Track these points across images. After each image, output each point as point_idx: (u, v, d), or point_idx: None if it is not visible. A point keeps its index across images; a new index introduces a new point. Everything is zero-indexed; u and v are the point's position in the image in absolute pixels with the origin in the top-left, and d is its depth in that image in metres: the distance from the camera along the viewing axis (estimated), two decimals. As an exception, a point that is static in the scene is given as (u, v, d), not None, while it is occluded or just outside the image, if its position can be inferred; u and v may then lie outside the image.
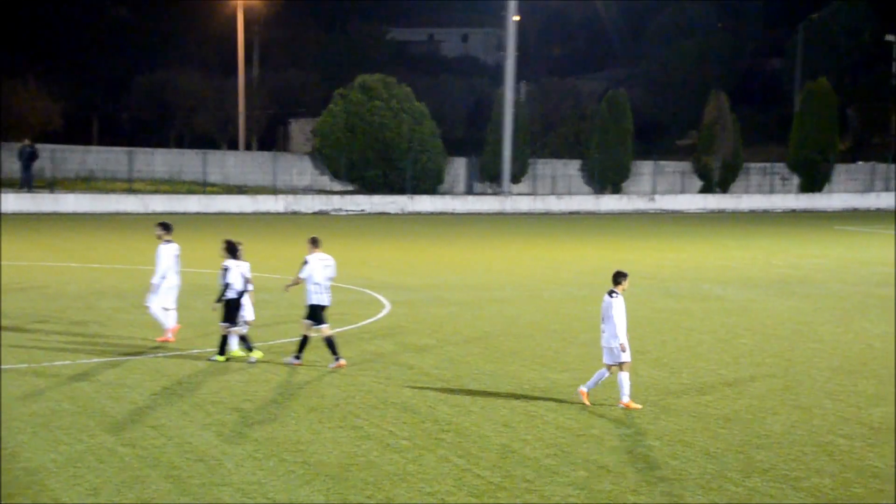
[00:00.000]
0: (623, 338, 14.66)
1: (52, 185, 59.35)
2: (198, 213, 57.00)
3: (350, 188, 66.47)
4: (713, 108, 72.47)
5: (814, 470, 12.08)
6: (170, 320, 18.55)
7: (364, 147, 65.53)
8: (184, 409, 14.16)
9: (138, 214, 55.41)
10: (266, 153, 70.99)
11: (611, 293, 14.80)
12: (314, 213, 60.14)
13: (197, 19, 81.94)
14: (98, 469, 11.50)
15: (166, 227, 18.42)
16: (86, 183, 62.00)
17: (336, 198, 62.86)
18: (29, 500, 10.51)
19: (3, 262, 29.44)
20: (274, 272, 30.34)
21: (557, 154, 73.31)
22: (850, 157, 79.85)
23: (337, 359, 17.24)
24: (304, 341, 17.36)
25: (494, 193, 67.90)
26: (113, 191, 59.82)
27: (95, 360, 17.21)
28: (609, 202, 67.50)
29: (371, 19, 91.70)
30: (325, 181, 67.68)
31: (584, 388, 15.06)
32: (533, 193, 69.57)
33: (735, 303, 25.60)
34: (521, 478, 11.58)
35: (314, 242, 17.53)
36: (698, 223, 56.77)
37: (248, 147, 74.38)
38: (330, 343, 17.26)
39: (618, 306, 14.71)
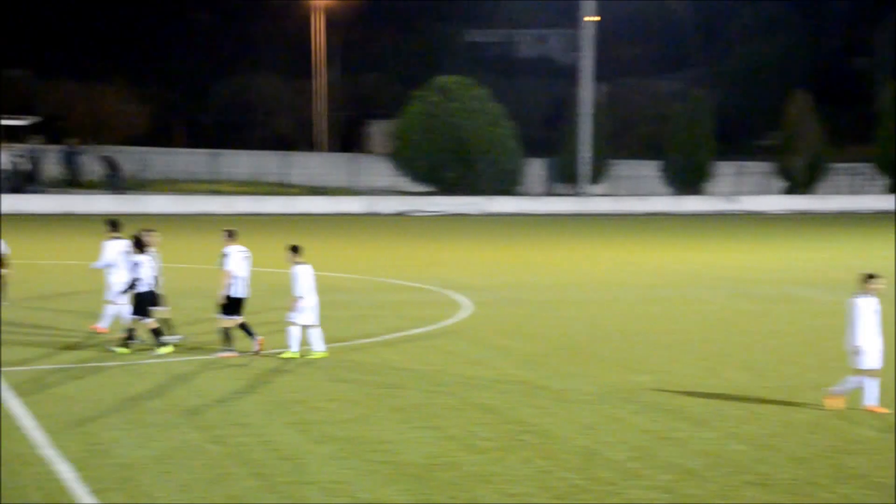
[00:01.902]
0: (863, 341, 14.13)
1: (139, 186, 60.48)
2: (279, 214, 57.62)
3: (428, 189, 66.67)
4: (796, 107, 71.36)
5: (905, 476, 11.85)
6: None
7: (442, 148, 65.70)
8: (268, 409, 14.34)
9: (222, 215, 56.18)
10: (346, 155, 71.55)
11: (860, 294, 14.30)
12: (393, 214, 60.44)
13: (277, 23, 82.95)
14: (188, 466, 11.70)
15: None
16: (171, 185, 63.10)
17: (414, 199, 63.15)
18: (123, 495, 10.73)
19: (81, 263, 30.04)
20: (352, 272, 30.58)
21: (636, 155, 72.77)
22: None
23: (231, 350, 17.51)
24: (228, 332, 17.60)
25: (572, 194, 67.63)
26: (197, 192, 60.79)
27: (183, 358, 17.51)
28: (689, 203, 66.82)
29: (448, 21, 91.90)
30: (404, 182, 67.96)
31: (836, 391, 14.63)
32: (611, 194, 69.15)
33: (822, 305, 25.18)
34: (604, 480, 11.53)
35: (231, 235, 17.90)
36: (782, 224, 55.94)
37: (328, 149, 75.02)
38: (245, 329, 17.64)
39: (862, 307, 14.20)
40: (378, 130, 77.71)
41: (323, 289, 26.61)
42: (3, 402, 14.30)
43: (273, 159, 67.12)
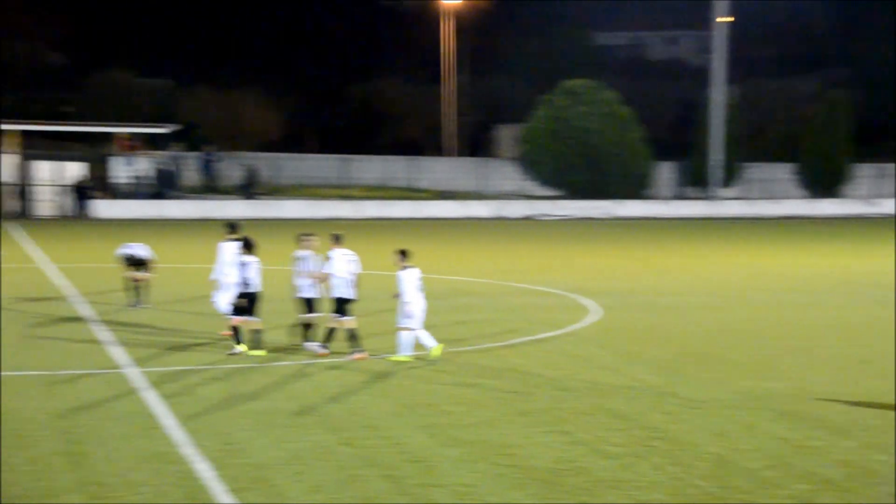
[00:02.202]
0: None
1: (272, 192, 61.82)
2: (408, 219, 58.18)
3: (556, 193, 66.47)
4: (939, 107, 68.89)
5: None
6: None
7: (569, 152, 65.45)
8: (398, 411, 14.48)
9: (352, 220, 57.00)
10: (473, 159, 71.85)
11: None
12: (520, 219, 60.42)
13: (407, 29, 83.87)
14: (319, 466, 11.90)
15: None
16: (302, 189, 64.33)
17: (542, 203, 63.03)
18: (257, 495, 10.98)
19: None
20: (480, 276, 30.67)
21: (769, 157, 71.23)
22: None
23: (359, 351, 17.78)
24: (331, 332, 17.97)
25: (703, 198, 66.59)
26: (327, 197, 61.84)
27: (314, 361, 17.81)
28: (825, 206, 65.12)
29: (576, 24, 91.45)
30: (532, 186, 67.88)
31: None
32: (743, 198, 67.86)
33: (964, 312, 24.23)
34: (738, 489, 11.32)
35: (337, 239, 18.20)
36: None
37: (456, 153, 75.45)
38: (352, 335, 17.82)
39: None
40: (506, 134, 77.80)
41: (450, 293, 26.89)
42: (145, 401, 14.78)
43: (401, 164, 67.82)
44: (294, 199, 60.86)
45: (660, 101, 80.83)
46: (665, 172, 70.02)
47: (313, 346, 18.32)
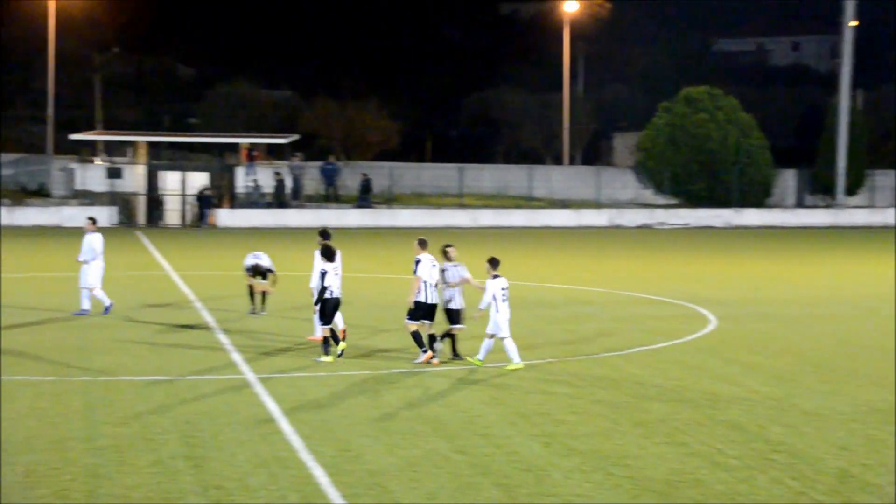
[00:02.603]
0: None
1: (389, 201, 62.45)
2: (523, 227, 58.16)
3: (673, 201, 65.67)
4: None
5: None
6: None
7: (688, 160, 64.60)
8: (512, 420, 14.49)
9: (468, 228, 57.21)
10: (589, 167, 71.43)
11: None
12: (637, 227, 59.85)
13: (524, 38, 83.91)
14: (434, 474, 11.98)
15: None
16: (419, 198, 64.84)
17: (659, 211, 62.32)
18: (372, 501, 11.12)
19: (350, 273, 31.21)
20: (596, 286, 30.48)
21: (896, 164, 69.26)
22: None
23: (424, 351, 18.04)
24: (417, 336, 18.15)
25: (827, 206, 65.00)
26: (444, 206, 62.18)
27: (427, 368, 17.92)
28: (956, 214, 62.89)
29: (697, 30, 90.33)
30: (649, 195, 67.19)
31: None
32: (870, 206, 66.03)
33: None
34: (860, 505, 11.04)
35: (422, 244, 18.52)
36: None
37: (571, 161, 75.14)
38: (430, 338, 18.11)
39: None
40: (622, 143, 77.19)
41: (565, 301, 26.81)
42: (263, 406, 15.09)
43: (517, 173, 67.80)
44: (411, 207, 61.38)
45: (783, 107, 79.22)
46: (788, 180, 68.59)
47: (434, 351, 18.38)
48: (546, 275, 32.76)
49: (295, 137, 63.09)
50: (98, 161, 59.75)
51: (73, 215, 53.85)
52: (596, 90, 79.73)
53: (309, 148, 67.89)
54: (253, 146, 61.05)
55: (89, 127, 67.94)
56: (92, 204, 56.43)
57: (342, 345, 18.58)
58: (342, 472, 11.92)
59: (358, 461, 12.40)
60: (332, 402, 15.34)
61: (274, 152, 63.22)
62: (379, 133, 72.42)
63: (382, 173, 63.92)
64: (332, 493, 11.26)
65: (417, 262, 18.33)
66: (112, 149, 60.84)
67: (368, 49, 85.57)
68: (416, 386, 16.58)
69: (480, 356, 18.07)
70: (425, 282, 18.19)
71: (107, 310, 23.56)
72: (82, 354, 18.85)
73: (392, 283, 23.96)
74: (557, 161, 75.24)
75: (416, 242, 18.83)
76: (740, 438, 13.56)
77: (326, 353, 18.39)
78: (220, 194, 58.24)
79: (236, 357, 18.72)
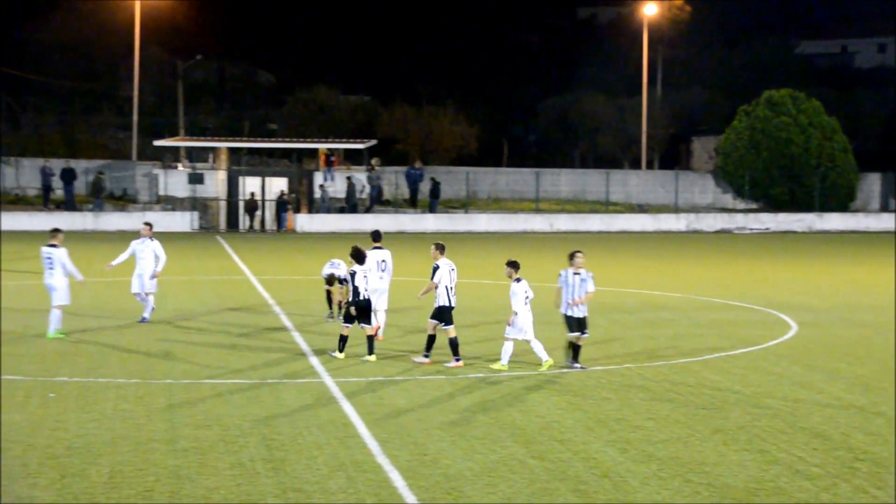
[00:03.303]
0: None
1: (466, 205, 62.57)
2: (600, 232, 57.89)
3: (754, 206, 64.87)
4: None
5: None
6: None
7: (769, 164, 63.78)
8: (588, 425, 14.44)
9: (544, 233, 57.09)
10: (668, 172, 70.88)
11: None
12: (716, 232, 59.21)
13: (602, 42, 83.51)
14: (510, 479, 11.99)
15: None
16: (495, 203, 64.86)
17: (739, 216, 61.61)
18: (447, 504, 11.17)
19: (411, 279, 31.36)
20: (674, 291, 30.21)
21: None
22: None
23: (457, 359, 18.19)
24: (432, 340, 18.35)
25: (913, 211, 63.76)
26: (520, 210, 62.13)
27: (504, 373, 17.93)
28: None
29: (778, 33, 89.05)
30: (728, 199, 66.48)
31: None
32: (957, 210, 64.62)
33: None
34: (945, 516, 10.81)
35: (440, 249, 18.68)
36: None
37: (649, 166, 74.59)
38: (453, 344, 18.27)
39: None
40: (701, 147, 76.41)
41: (643, 307, 26.61)
42: (340, 410, 15.22)
43: (594, 177, 67.52)
44: (487, 212, 61.43)
45: (868, 110, 77.79)
46: (873, 184, 67.34)
47: (576, 365, 18.11)
48: (623, 280, 32.54)
49: (372, 142, 63.53)
50: (180, 167, 60.78)
51: (156, 220, 54.85)
52: (674, 94, 79.03)
53: (386, 153, 68.32)
54: (331, 151, 61.59)
55: (172, 133, 69.17)
56: (174, 209, 57.43)
57: (372, 357, 18.79)
58: (419, 476, 11.98)
59: (434, 465, 12.46)
60: (408, 407, 15.42)
61: (352, 157, 63.72)
62: (456, 138, 72.59)
63: (459, 178, 64.08)
64: (409, 496, 11.32)
65: (436, 268, 18.54)
66: (194, 154, 61.86)
67: (446, 54, 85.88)
68: (493, 391, 16.59)
69: (504, 361, 18.16)
70: (447, 286, 18.38)
71: (143, 319, 23.12)
72: (165, 357, 19.20)
73: (464, 288, 24.02)
74: (635, 165, 74.76)
75: (433, 247, 19.03)
76: (822, 446, 13.36)
77: (341, 350, 18.91)
78: (298, 199, 58.85)
79: (314, 361, 18.91)
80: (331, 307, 24.11)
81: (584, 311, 18.12)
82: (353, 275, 19.02)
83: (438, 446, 13.26)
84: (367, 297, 18.97)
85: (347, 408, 15.28)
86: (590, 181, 67.43)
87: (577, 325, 18.11)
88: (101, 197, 58.22)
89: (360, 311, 18.86)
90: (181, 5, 74.33)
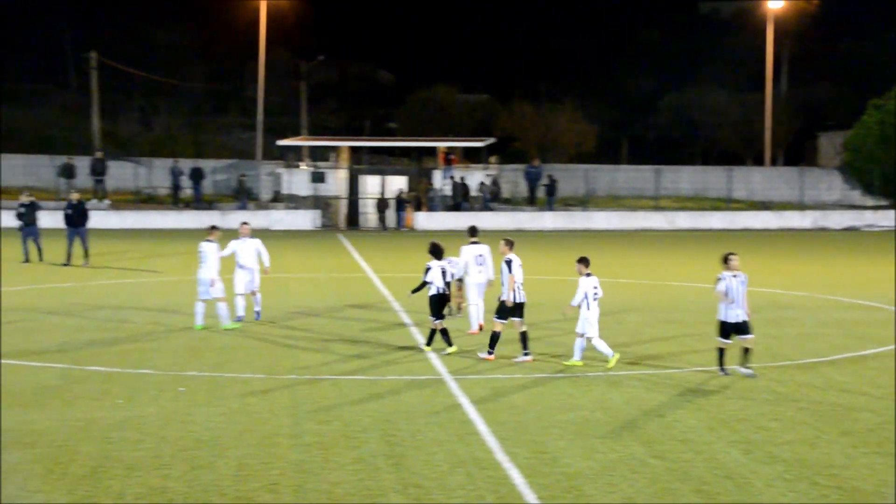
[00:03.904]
0: None
1: (584, 203, 62.23)
2: (721, 230, 56.95)
3: (884, 203, 63.02)
4: None
5: None
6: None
7: (900, 159, 61.94)
8: (710, 425, 14.24)
9: (664, 231, 56.41)
10: (792, 168, 69.38)
11: None
12: (843, 229, 57.71)
13: (725, 37, 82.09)
14: (631, 479, 11.90)
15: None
16: (614, 200, 64.35)
17: (868, 213, 59.93)
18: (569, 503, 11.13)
19: (541, 277, 31.27)
20: (800, 290, 29.55)
21: None
22: None
23: (526, 354, 18.32)
24: (498, 336, 18.47)
25: None
26: (640, 208, 61.51)
27: (623, 372, 17.80)
28: None
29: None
30: (856, 196, 64.76)
31: None
32: None
33: None
34: None
35: (509, 244, 18.78)
36: None
37: (773, 162, 73.07)
38: (523, 338, 18.37)
39: None
40: (827, 142, 74.55)
41: (768, 305, 26.08)
42: (460, 407, 15.30)
43: (716, 174, 66.47)
44: (606, 210, 61.00)
45: None
46: None
47: (746, 371, 17.42)
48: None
49: (491, 140, 63.63)
50: (303, 166, 61.83)
51: (280, 219, 55.96)
52: (800, 89, 77.27)
53: (504, 151, 68.37)
54: (450, 150, 61.90)
55: (295, 133, 70.47)
56: (297, 208, 58.44)
57: (453, 348, 19.06)
58: (538, 475, 11.97)
59: (554, 464, 12.43)
60: (527, 404, 15.41)
61: (470, 155, 63.93)
62: (574, 135, 72.29)
63: (577, 175, 63.75)
64: (529, 494, 11.33)
65: (509, 262, 18.47)
66: (316, 154, 62.86)
67: (565, 51, 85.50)
68: (612, 390, 16.47)
69: (576, 357, 18.14)
70: (517, 281, 18.40)
71: (239, 318, 22.72)
72: (288, 353, 19.56)
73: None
74: (758, 162, 73.33)
75: (503, 243, 18.95)
76: (956, 451, 12.92)
77: (429, 343, 19.31)
78: (417, 197, 59.29)
79: (433, 357, 19.04)
80: (449, 304, 24.22)
81: (745, 314, 17.43)
82: (427, 269, 19.23)
83: (557, 444, 13.23)
84: (441, 291, 19.16)
85: (466, 405, 15.35)
86: (711, 178, 66.41)
87: (736, 329, 17.31)
88: (246, 197, 59.26)
89: (436, 305, 19.10)
90: (304, 7, 75.64)
